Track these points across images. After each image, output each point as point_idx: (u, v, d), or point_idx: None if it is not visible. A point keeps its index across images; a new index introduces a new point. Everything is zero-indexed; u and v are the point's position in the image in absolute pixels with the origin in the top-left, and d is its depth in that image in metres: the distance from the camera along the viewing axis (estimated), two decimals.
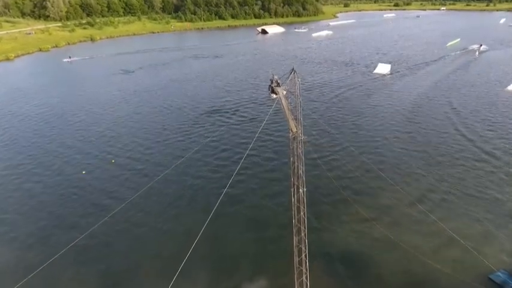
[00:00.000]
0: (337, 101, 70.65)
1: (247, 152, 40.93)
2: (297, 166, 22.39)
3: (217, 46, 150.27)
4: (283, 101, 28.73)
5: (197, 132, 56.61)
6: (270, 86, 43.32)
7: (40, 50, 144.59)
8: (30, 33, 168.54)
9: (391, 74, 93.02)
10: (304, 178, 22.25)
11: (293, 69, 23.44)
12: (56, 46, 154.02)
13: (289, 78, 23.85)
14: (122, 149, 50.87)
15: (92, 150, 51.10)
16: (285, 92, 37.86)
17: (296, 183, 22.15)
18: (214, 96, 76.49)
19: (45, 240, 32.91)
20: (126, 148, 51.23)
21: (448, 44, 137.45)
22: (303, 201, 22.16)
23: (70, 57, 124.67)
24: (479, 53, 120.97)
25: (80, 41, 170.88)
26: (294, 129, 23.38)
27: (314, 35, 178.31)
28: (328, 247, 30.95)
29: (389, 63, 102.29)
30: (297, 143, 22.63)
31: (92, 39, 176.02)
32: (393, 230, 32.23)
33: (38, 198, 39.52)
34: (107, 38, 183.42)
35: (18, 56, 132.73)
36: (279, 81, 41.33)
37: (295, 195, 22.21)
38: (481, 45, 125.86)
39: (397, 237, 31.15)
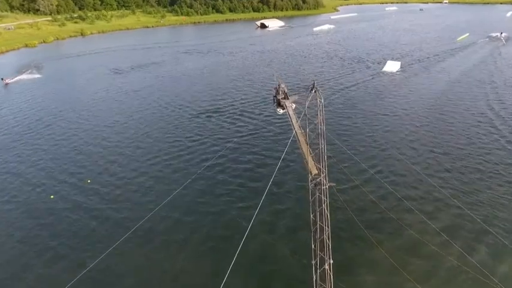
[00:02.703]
0: (346, 107, 63.24)
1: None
2: (320, 226, 15.51)
3: (213, 42, 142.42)
4: (295, 123, 21.67)
5: (195, 152, 46.77)
6: (274, 97, 35.50)
7: (26, 46, 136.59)
8: (9, 28, 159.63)
9: (402, 72, 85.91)
10: (330, 244, 15.39)
11: (314, 85, 16.45)
12: (44, 42, 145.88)
13: (309, 97, 16.85)
14: (100, 167, 43.48)
15: (64, 166, 43.74)
16: (294, 106, 30.61)
17: (320, 253, 15.29)
18: (211, 102, 68.81)
19: None
20: (106, 166, 43.67)
21: (457, 39, 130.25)
22: (329, 279, 15.31)
23: (2, 79, 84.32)
24: (505, 40, 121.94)
25: (70, 36, 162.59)
26: (315, 172, 16.47)
27: (315, 29, 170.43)
28: None
29: (399, 60, 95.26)
30: (319, 192, 15.74)
31: (83, 34, 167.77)
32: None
33: None
34: (99, 32, 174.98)
35: (2, 53, 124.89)
36: (286, 90, 33.82)
37: (318, 271, 15.35)
38: (501, 33, 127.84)
39: None
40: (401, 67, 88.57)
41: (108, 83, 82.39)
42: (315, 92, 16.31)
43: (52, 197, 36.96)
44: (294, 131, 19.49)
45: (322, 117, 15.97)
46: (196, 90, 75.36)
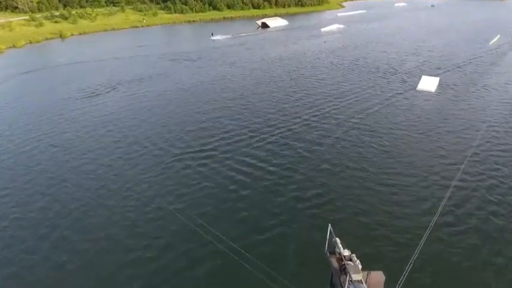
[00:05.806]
0: (374, 151, 45.43)
1: None
2: None
3: (207, 47, 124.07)
4: None
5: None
6: (342, 269, 15.68)
7: None
8: None
9: (441, 91, 67.82)
10: None
11: None
12: (14, 46, 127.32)
13: None
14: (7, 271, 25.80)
15: None
16: None
17: None
18: (195, 146, 51.00)
19: None
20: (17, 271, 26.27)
21: (490, 43, 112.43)
22: None
23: None
24: None
25: (46, 39, 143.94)
26: None
27: (323, 29, 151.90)
28: None
29: (435, 73, 77.42)
30: None
31: (62, 36, 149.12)
32: None
33: None
34: (80, 34, 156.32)
35: None
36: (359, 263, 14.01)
37: None
38: None
39: None
40: (439, 84, 70.44)
41: (62, 114, 61.85)
42: None
43: None
44: None
45: None
46: (175, 126, 56.31)
